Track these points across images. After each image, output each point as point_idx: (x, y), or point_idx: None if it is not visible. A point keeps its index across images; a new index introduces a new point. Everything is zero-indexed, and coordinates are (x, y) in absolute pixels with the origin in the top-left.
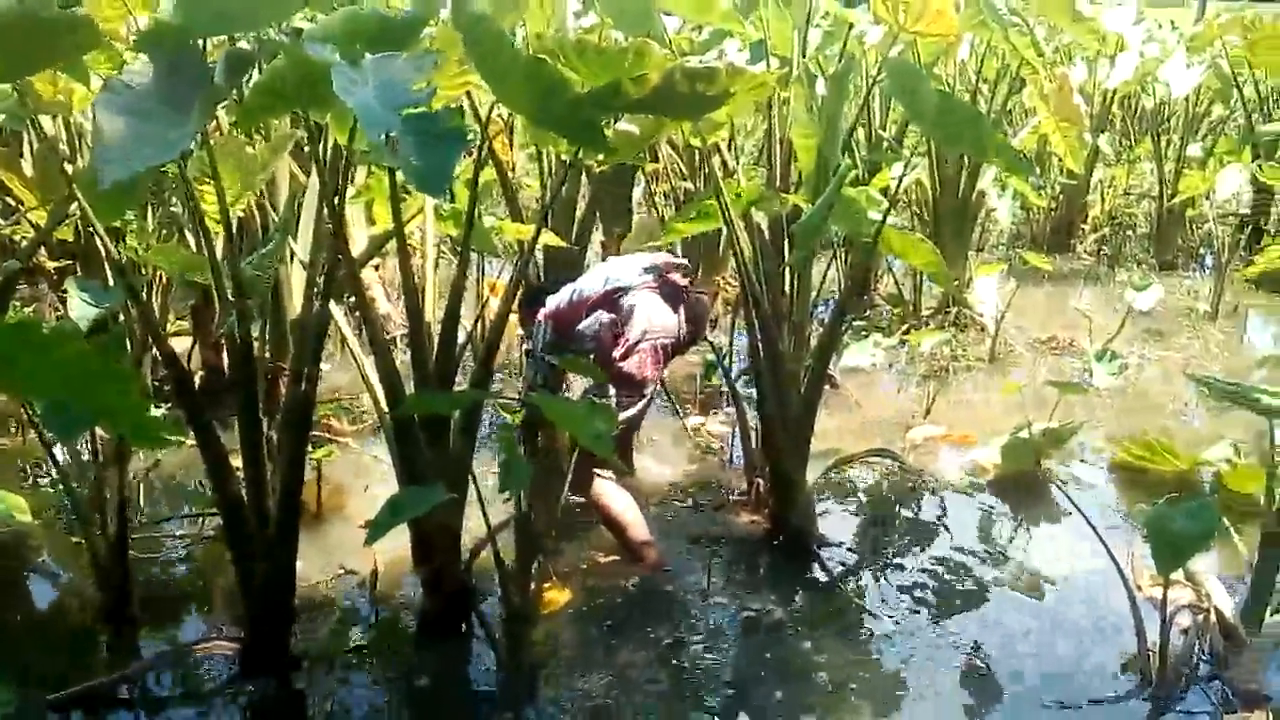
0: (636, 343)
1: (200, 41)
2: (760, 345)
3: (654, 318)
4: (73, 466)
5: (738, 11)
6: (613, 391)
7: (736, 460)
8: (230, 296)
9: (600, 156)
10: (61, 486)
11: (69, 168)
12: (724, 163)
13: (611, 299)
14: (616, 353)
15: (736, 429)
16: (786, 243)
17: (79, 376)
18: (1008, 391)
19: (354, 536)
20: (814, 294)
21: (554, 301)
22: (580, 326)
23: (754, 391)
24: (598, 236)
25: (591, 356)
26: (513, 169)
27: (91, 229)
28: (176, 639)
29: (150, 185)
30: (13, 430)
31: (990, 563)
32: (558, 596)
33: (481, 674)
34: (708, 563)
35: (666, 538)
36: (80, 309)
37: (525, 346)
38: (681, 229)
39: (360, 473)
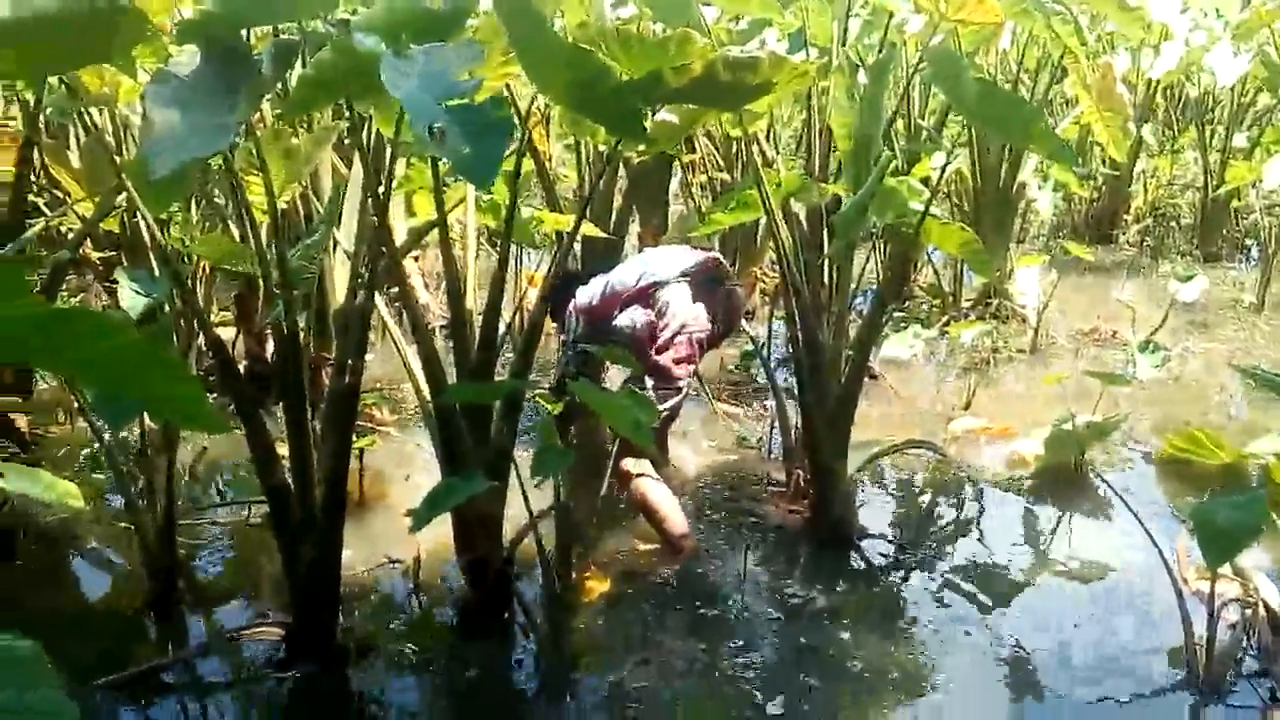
0: (673, 337)
1: (246, 32)
2: (800, 335)
3: (690, 312)
4: (122, 454)
5: (777, 1)
6: (649, 383)
7: (774, 450)
8: (276, 287)
9: (640, 147)
10: (110, 473)
11: (116, 159)
12: (763, 153)
13: (647, 294)
14: (653, 348)
15: (775, 419)
16: (826, 233)
17: (132, 366)
18: (1050, 383)
19: (397, 525)
20: (853, 284)
21: (586, 295)
22: (616, 322)
23: (793, 382)
24: (634, 227)
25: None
26: (549, 160)
27: (139, 219)
28: (223, 625)
29: (197, 176)
30: (61, 419)
31: (1032, 555)
32: (598, 585)
33: (523, 661)
34: (747, 553)
35: (705, 528)
36: (130, 299)
37: (562, 338)
38: (721, 219)
39: (402, 461)
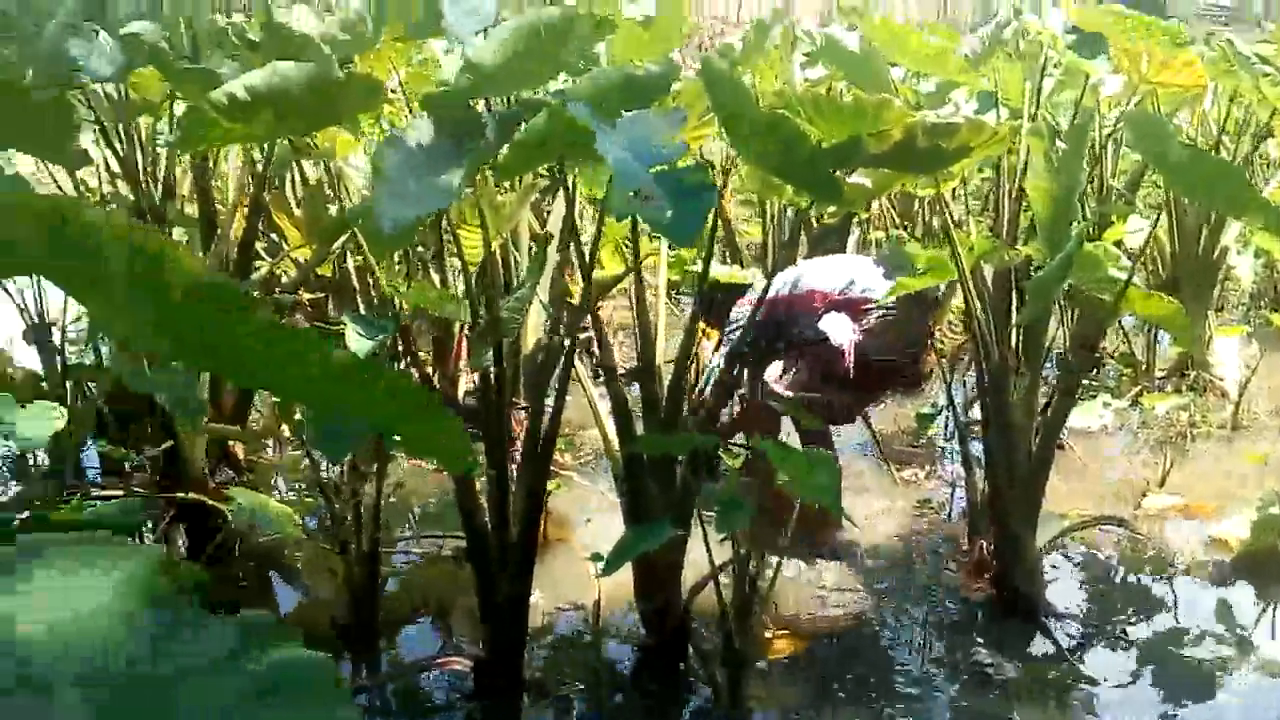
0: (886, 357)
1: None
2: (990, 400)
3: (904, 336)
4: (335, 483)
5: (969, 63)
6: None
7: (955, 518)
8: (482, 334)
9: (832, 208)
10: (321, 500)
11: (334, 208)
12: (950, 213)
13: (857, 308)
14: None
15: (958, 486)
16: (1015, 296)
17: (398, 405)
18: (1253, 461)
19: (577, 568)
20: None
21: (771, 289)
22: (822, 324)
23: (979, 448)
24: None
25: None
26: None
27: (361, 266)
28: (413, 652)
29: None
30: (269, 448)
31: (1231, 645)
32: (785, 645)
33: (697, 713)
34: (927, 621)
35: (883, 597)
36: (356, 340)
37: (728, 329)
38: (909, 284)
39: (582, 505)
